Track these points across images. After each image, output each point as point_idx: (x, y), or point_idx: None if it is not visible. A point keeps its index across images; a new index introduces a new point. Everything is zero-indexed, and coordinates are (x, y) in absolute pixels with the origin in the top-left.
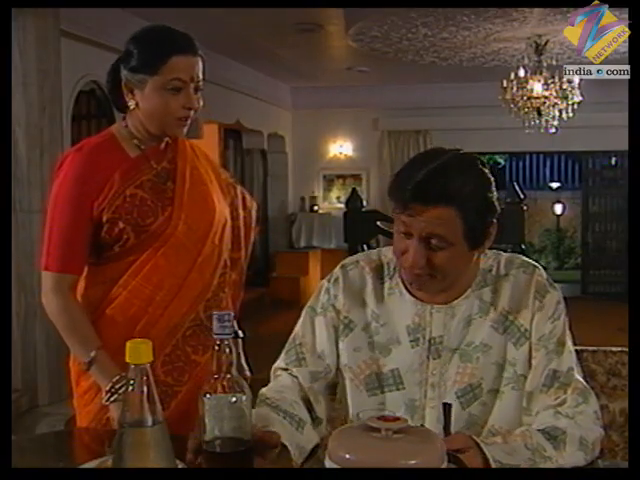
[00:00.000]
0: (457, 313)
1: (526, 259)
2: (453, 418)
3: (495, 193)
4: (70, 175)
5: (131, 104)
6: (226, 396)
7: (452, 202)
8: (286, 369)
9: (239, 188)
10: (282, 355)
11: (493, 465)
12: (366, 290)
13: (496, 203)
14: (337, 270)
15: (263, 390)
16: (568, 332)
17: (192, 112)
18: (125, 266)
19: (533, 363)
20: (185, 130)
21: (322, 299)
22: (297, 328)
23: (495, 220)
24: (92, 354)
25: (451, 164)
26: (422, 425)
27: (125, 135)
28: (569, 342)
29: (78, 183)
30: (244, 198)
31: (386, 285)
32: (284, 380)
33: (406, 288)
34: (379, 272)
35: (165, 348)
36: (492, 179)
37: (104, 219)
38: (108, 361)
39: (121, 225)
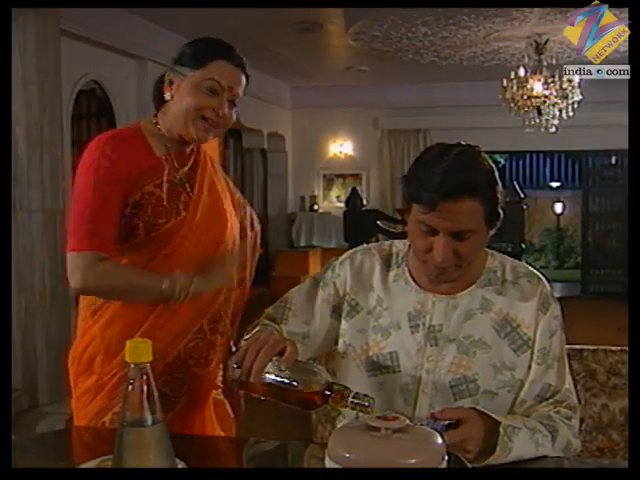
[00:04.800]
0: (459, 305)
1: (531, 269)
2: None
3: (498, 179)
4: (101, 158)
5: (167, 95)
6: None
7: (475, 194)
8: (273, 318)
9: (249, 208)
10: (272, 307)
11: (501, 431)
12: (374, 275)
13: (500, 188)
14: (348, 253)
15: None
16: (564, 347)
17: (220, 119)
18: (135, 265)
19: (530, 374)
20: (211, 136)
21: (326, 275)
22: (293, 291)
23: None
24: (167, 281)
25: (463, 158)
26: (414, 409)
27: (154, 131)
28: (565, 357)
29: (109, 165)
30: (252, 219)
31: (392, 272)
32: (273, 324)
33: (411, 277)
34: (387, 260)
35: (166, 358)
36: (494, 166)
37: (125, 213)
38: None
39: (135, 221)
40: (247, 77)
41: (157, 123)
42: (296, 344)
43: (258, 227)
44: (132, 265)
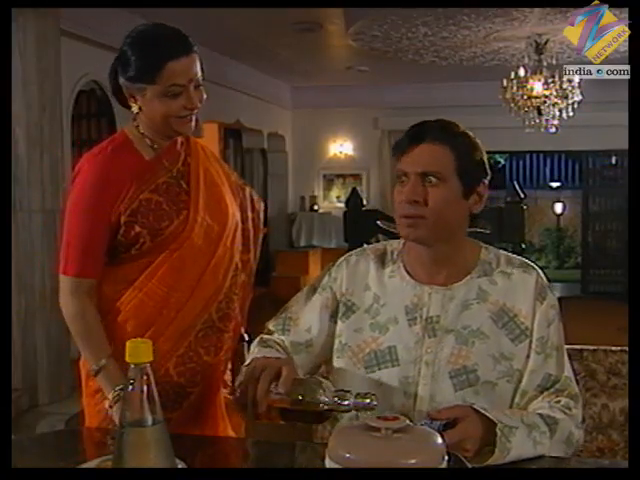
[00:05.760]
0: (455, 296)
1: (525, 260)
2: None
3: (484, 154)
4: (88, 182)
5: (134, 108)
6: None
7: (446, 141)
8: (273, 332)
9: (248, 189)
10: (273, 319)
11: (498, 432)
12: (369, 274)
13: (485, 162)
14: (344, 256)
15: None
16: (563, 336)
17: (194, 108)
18: (141, 267)
19: (530, 364)
20: (193, 126)
21: (323, 280)
22: (292, 300)
23: (486, 181)
24: (102, 362)
25: (442, 119)
26: (415, 402)
27: (138, 136)
28: (564, 346)
29: (96, 190)
30: (252, 200)
31: (388, 269)
32: (274, 337)
33: (407, 271)
34: (382, 258)
35: (178, 349)
36: (479, 142)
37: (121, 222)
38: (116, 370)
39: (137, 229)
40: (197, 53)
41: (138, 126)
42: (292, 362)
43: (259, 206)
44: (146, 264)
